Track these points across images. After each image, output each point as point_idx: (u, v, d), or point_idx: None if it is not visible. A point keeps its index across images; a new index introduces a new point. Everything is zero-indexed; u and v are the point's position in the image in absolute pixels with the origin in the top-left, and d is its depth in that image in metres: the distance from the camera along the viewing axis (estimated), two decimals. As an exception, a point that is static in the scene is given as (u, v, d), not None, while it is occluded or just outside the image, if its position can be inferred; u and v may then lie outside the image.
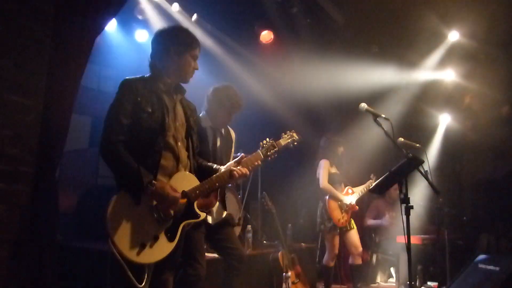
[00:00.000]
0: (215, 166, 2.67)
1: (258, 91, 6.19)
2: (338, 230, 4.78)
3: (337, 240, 4.82)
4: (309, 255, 5.55)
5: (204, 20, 5.64)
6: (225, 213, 3.36)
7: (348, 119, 6.48)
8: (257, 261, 4.54)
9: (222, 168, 2.60)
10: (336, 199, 4.80)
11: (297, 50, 6.23)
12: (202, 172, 2.57)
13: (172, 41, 2.46)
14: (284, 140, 2.88)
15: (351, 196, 4.89)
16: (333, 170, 4.98)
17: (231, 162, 2.65)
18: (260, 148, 2.76)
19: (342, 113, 6.60)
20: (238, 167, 2.57)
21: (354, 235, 4.82)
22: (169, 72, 2.47)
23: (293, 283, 4.42)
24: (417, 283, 5.54)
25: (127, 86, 2.34)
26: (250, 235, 4.71)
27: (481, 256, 4.50)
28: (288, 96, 6.34)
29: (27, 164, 2.52)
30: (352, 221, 4.86)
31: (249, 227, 4.78)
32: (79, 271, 3.80)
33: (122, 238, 2.10)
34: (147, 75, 2.49)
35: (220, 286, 3.40)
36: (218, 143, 3.43)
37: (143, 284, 2.16)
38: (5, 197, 2.40)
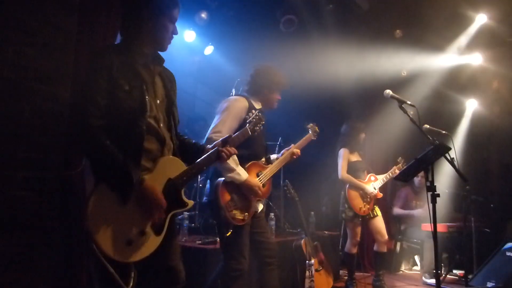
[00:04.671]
0: (199, 144, 2.48)
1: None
2: (360, 219, 4.76)
3: (358, 228, 4.82)
4: (332, 243, 5.53)
5: (225, 7, 5.61)
6: (262, 205, 3.27)
7: (373, 106, 6.40)
8: (280, 249, 4.54)
9: (209, 147, 2.39)
10: (357, 188, 4.76)
11: (320, 36, 6.15)
12: (185, 151, 2.34)
13: (145, 2, 2.07)
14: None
15: (373, 184, 4.84)
16: (354, 158, 4.94)
17: (218, 141, 2.42)
18: (247, 124, 2.59)
19: (367, 100, 6.50)
20: (226, 147, 2.35)
21: (379, 222, 4.78)
22: (143, 40, 2.11)
23: (316, 270, 4.42)
24: (443, 271, 5.49)
25: (100, 59, 2.00)
26: (273, 223, 4.72)
27: (509, 244, 4.43)
28: (311, 84, 6.27)
29: (56, 152, 2.56)
30: (376, 208, 4.82)
31: (271, 215, 4.78)
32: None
33: (106, 237, 1.86)
34: (118, 42, 2.18)
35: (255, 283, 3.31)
36: None
37: (130, 286, 1.96)
38: (35, 185, 2.44)
